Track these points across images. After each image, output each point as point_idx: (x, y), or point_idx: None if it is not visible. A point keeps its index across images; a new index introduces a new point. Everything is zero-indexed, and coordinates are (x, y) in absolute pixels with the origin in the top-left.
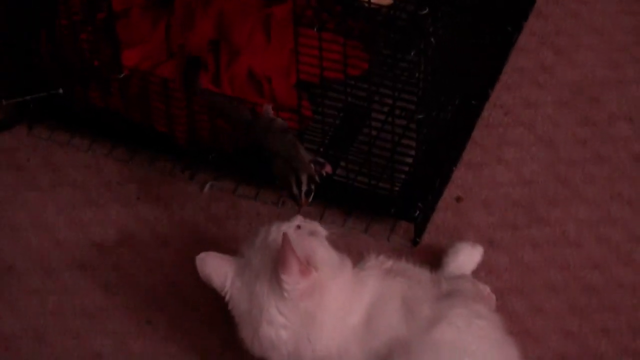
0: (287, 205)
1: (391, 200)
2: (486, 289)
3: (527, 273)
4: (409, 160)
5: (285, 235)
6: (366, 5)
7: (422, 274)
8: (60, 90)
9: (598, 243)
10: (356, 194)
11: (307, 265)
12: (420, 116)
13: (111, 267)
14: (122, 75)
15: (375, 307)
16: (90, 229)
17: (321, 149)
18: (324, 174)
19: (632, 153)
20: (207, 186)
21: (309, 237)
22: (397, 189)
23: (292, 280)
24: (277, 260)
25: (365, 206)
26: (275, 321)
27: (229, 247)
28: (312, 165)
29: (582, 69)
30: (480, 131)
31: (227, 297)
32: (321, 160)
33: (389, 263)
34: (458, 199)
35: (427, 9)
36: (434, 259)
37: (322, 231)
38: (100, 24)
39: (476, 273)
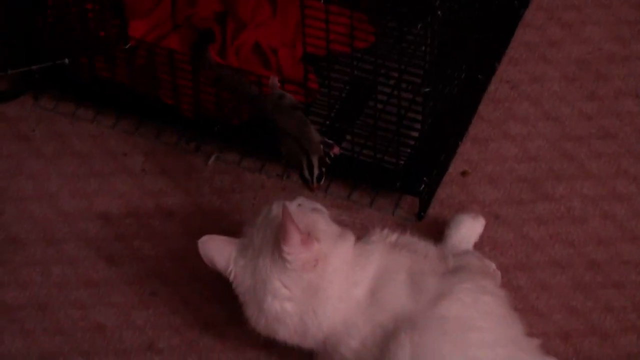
0: (292, 178)
1: (396, 174)
2: (492, 266)
3: (532, 249)
4: (415, 134)
5: (285, 207)
6: None
7: (429, 249)
8: (66, 61)
9: (603, 219)
10: (362, 167)
11: (309, 236)
12: (426, 90)
13: (115, 239)
14: (127, 46)
15: (381, 280)
16: (95, 200)
17: (327, 122)
18: (332, 155)
19: (638, 129)
20: (212, 158)
21: (310, 212)
22: (402, 162)
23: (293, 250)
24: (279, 233)
25: (371, 180)
26: (280, 294)
27: (233, 219)
28: (322, 146)
29: (589, 45)
30: (487, 106)
31: (231, 277)
32: (329, 141)
33: (394, 237)
34: (463, 174)
35: None
36: (439, 234)
37: (323, 209)
38: None
39: (481, 248)
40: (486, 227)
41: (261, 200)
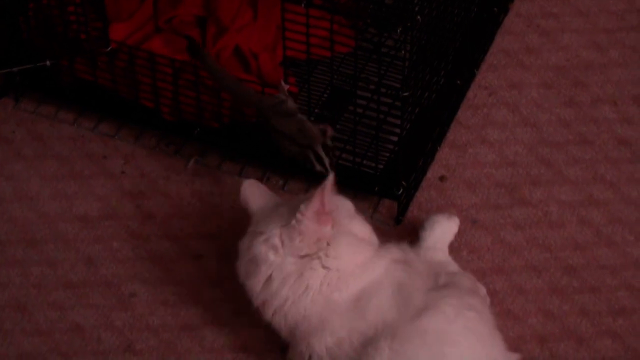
0: (271, 181)
1: (375, 178)
2: (482, 290)
3: (509, 253)
4: (394, 138)
5: (328, 182)
6: None
7: (422, 264)
8: (48, 63)
9: (580, 224)
10: (341, 171)
11: (328, 216)
12: (405, 94)
13: (95, 240)
14: (108, 49)
15: (369, 290)
16: (75, 202)
17: None
18: (329, 136)
19: (615, 136)
20: (192, 161)
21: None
22: (381, 167)
23: (307, 215)
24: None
25: (350, 183)
26: (271, 241)
27: (212, 221)
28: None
29: (567, 52)
30: (465, 111)
31: (253, 219)
32: (323, 127)
33: (400, 254)
34: (442, 179)
35: None
36: (417, 238)
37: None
38: None
39: (458, 252)
40: (464, 232)
41: (240, 203)
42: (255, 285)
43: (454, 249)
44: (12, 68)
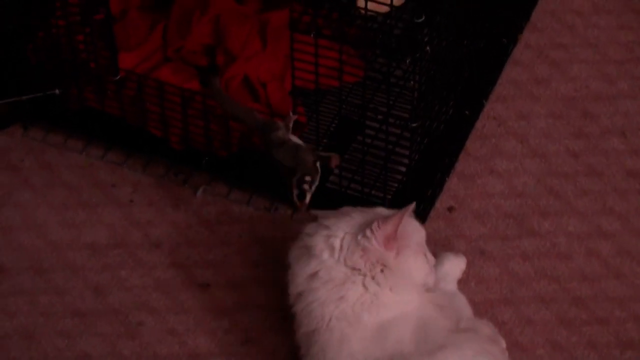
0: (279, 211)
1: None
2: (503, 343)
3: (517, 284)
4: (402, 169)
5: (408, 210)
6: (363, 12)
7: (450, 308)
8: (57, 91)
9: (588, 256)
10: (349, 201)
11: (396, 242)
12: (414, 125)
13: (102, 269)
14: (117, 78)
15: (394, 321)
16: (83, 230)
17: None
18: (333, 167)
19: (624, 167)
20: (200, 190)
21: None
22: (389, 197)
23: (377, 234)
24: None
25: None
26: (331, 241)
27: (220, 251)
28: (317, 165)
29: (576, 83)
30: (474, 142)
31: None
32: (325, 154)
33: (432, 294)
34: (450, 209)
35: (423, 17)
36: None
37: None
38: (97, 25)
39: (467, 283)
40: (472, 263)
41: (248, 232)
42: (299, 274)
43: (462, 279)
44: (21, 97)
